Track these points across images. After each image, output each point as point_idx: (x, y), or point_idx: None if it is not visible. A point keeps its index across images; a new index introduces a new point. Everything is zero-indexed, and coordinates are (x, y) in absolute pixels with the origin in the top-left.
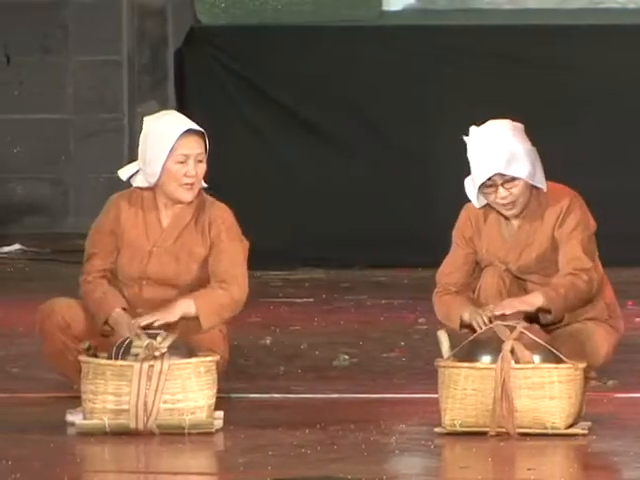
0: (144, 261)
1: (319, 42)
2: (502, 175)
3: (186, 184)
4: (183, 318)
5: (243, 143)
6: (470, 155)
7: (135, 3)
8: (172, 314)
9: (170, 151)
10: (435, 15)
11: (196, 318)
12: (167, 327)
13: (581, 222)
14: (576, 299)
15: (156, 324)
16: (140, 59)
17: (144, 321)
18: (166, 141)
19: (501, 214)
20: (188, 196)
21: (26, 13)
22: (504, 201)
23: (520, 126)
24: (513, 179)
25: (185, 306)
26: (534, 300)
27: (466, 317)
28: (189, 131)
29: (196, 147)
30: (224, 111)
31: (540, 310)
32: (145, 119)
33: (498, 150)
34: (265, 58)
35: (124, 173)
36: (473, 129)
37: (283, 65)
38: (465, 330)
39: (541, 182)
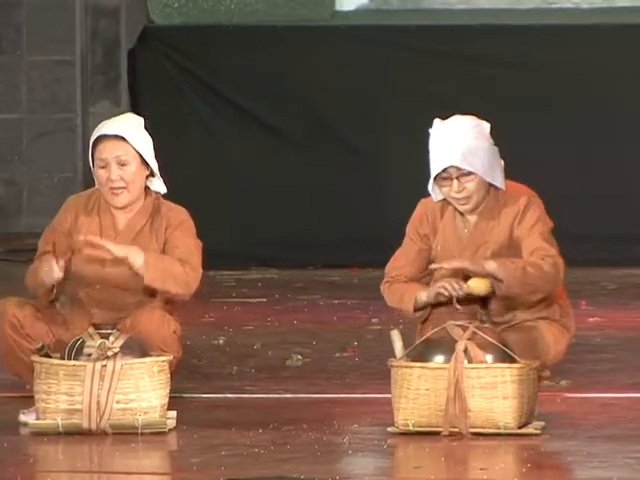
0: (98, 266)
1: (272, 42)
2: (458, 169)
3: (112, 189)
4: (126, 262)
5: (196, 143)
6: (430, 147)
7: (88, 3)
8: (118, 249)
9: (93, 159)
10: (388, 15)
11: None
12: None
13: (540, 218)
14: (537, 278)
15: (97, 242)
16: (93, 59)
17: (94, 239)
18: (90, 149)
19: (457, 209)
20: (117, 202)
21: None
22: (458, 195)
23: (485, 124)
24: (469, 174)
25: (134, 253)
26: (486, 265)
27: (424, 296)
28: (102, 137)
29: (113, 150)
30: (177, 111)
31: (494, 278)
32: None
33: (456, 143)
34: (218, 58)
35: None
36: (437, 122)
37: (236, 65)
38: (419, 313)
39: (499, 182)
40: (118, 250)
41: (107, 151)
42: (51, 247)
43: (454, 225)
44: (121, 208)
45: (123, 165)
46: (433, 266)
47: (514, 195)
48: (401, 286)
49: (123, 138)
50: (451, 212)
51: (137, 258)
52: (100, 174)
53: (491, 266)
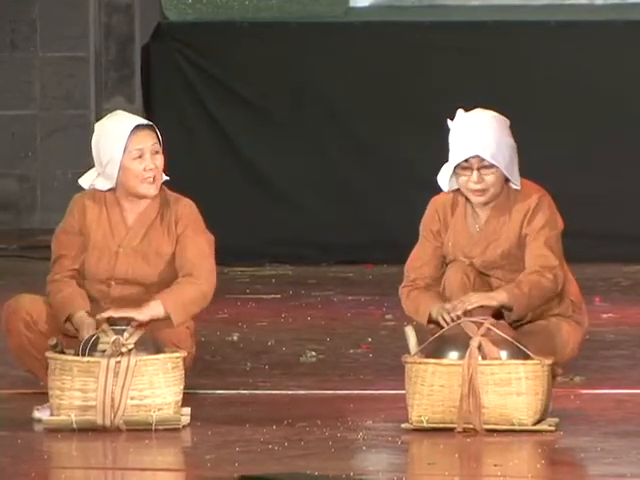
0: (111, 262)
1: (286, 38)
2: (480, 159)
3: (147, 178)
4: (152, 319)
5: (209, 139)
6: (452, 136)
7: None
8: (143, 314)
9: (124, 150)
10: (402, 11)
11: (166, 317)
12: (138, 325)
13: (549, 220)
14: (540, 297)
15: (126, 314)
16: (107, 55)
17: (115, 313)
18: (119, 141)
19: (469, 203)
20: (152, 190)
21: None
22: (476, 187)
23: (506, 120)
24: (490, 166)
25: (155, 308)
26: (497, 296)
27: (434, 314)
28: (138, 127)
29: (149, 140)
30: (190, 107)
31: (503, 307)
32: (96, 125)
33: (481, 134)
34: (231, 54)
35: (85, 181)
36: (460, 112)
37: (249, 61)
38: (432, 325)
39: (516, 179)
40: (143, 316)
41: (143, 140)
42: (65, 251)
43: (465, 221)
44: (152, 197)
45: (156, 154)
46: (448, 306)
47: (526, 193)
48: (418, 296)
49: (153, 127)
50: (462, 208)
51: (159, 311)
52: (134, 165)
53: (502, 298)
